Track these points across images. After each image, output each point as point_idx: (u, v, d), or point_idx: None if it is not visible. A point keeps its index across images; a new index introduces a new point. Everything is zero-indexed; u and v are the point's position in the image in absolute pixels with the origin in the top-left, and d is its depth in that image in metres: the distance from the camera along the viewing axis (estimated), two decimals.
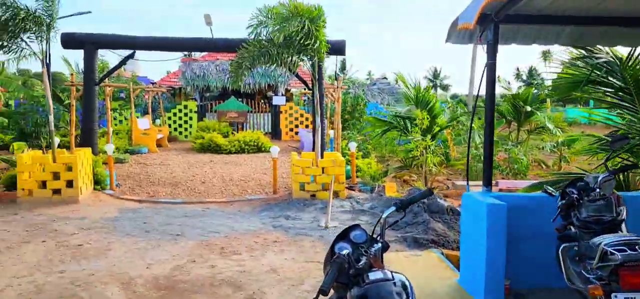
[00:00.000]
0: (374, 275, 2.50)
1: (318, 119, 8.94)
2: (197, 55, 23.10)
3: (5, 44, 8.00)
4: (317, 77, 8.63)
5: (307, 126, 20.22)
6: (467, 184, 5.34)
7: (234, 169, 12.77)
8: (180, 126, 20.68)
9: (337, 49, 10.27)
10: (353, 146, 10.53)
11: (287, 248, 6.53)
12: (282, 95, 21.59)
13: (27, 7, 7.91)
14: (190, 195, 10.00)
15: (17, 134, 14.69)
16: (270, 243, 6.75)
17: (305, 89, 25.29)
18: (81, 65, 21.94)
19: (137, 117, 17.49)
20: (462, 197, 5.00)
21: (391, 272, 2.57)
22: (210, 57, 21.48)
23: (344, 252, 2.55)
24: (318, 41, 7.71)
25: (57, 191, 8.90)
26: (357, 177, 10.54)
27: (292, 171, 9.52)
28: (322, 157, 9.28)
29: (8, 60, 8.72)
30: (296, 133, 20.50)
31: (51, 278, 5.42)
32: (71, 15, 8.84)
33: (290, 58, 7.72)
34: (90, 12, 9.61)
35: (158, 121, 20.17)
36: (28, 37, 8.26)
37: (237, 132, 18.11)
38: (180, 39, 11.77)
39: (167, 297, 4.95)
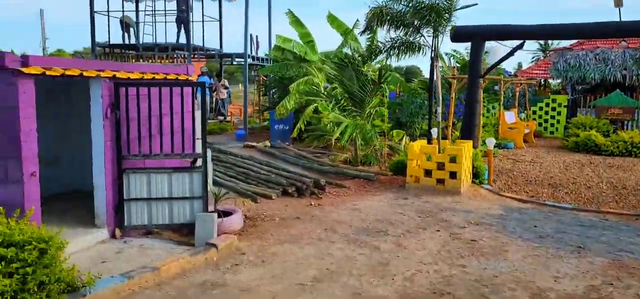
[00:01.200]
0: None
1: None
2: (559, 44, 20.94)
3: (408, 40, 8.62)
4: None
5: None
6: None
7: (623, 175, 10.82)
8: (545, 120, 19.19)
9: None
10: None
11: None
12: None
13: (430, 3, 8.31)
14: (576, 200, 8.86)
15: (394, 123, 16.18)
16: None
17: None
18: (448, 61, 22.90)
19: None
20: None
21: None
22: (588, 45, 19.07)
23: None
24: None
25: (440, 181, 9.16)
26: None
27: None
28: None
29: (390, 56, 9.40)
30: None
31: (454, 270, 5.39)
32: (459, 8, 8.83)
33: None
34: (476, 4, 9.39)
35: (522, 115, 19.20)
36: (426, 32, 8.68)
37: (620, 131, 15.50)
38: (576, 25, 10.43)
39: None
